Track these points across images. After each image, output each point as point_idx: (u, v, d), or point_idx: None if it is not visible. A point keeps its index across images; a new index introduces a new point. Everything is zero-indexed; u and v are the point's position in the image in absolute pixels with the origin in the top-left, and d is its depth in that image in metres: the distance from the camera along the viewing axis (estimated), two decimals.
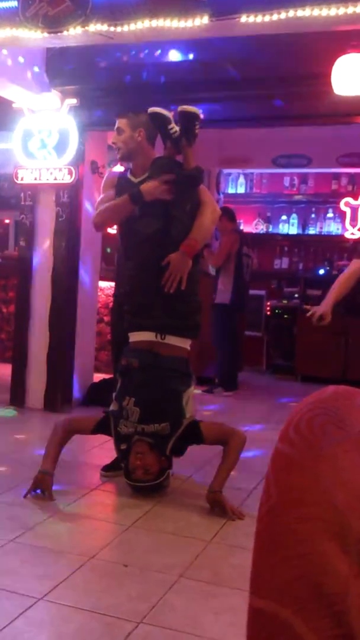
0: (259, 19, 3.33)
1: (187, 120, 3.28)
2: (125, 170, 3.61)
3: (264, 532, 0.42)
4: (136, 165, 3.45)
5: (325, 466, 0.39)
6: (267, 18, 3.32)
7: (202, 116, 3.37)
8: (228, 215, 6.00)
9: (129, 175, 3.49)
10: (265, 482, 0.44)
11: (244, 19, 3.36)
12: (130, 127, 3.37)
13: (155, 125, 3.35)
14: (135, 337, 3.26)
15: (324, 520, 0.38)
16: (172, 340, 3.21)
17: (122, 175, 3.54)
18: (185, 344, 3.27)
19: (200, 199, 3.31)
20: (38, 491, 3.06)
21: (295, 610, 0.38)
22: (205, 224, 3.29)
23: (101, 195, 3.60)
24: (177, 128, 3.32)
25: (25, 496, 3.04)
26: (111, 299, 6.19)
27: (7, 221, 9.17)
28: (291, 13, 3.28)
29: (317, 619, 0.37)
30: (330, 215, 8.01)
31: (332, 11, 3.24)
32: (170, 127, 3.31)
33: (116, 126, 3.42)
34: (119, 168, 5.77)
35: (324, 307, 3.59)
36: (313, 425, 0.42)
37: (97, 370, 5.63)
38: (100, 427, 3.18)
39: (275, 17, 3.31)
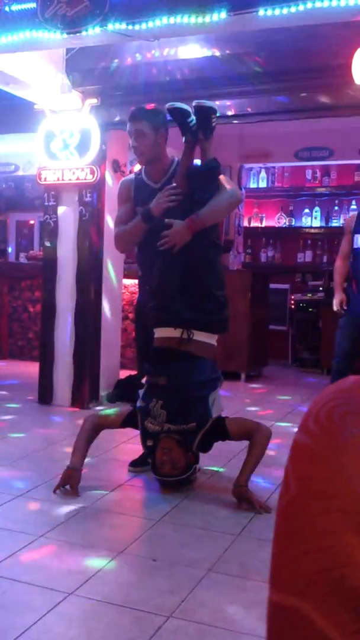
0: (277, 11, 3.31)
1: (203, 114, 3.25)
2: (139, 172, 3.52)
3: (284, 525, 0.41)
4: (155, 169, 3.39)
5: (347, 457, 0.38)
6: (285, 10, 3.29)
7: (217, 109, 3.35)
8: None
9: (145, 179, 3.42)
10: (284, 474, 0.43)
11: (262, 12, 3.34)
12: (152, 129, 3.29)
13: (174, 119, 3.31)
14: (161, 332, 3.24)
15: (347, 512, 0.37)
16: (200, 336, 3.20)
17: (138, 181, 3.45)
18: (213, 339, 3.26)
19: (220, 186, 3.26)
20: (67, 487, 3.10)
21: (317, 605, 0.37)
22: (217, 204, 3.21)
23: (119, 210, 3.49)
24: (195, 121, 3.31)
25: (55, 492, 3.08)
26: (135, 295, 6.24)
27: (31, 222, 9.27)
28: (309, 5, 3.25)
29: (338, 614, 0.36)
30: (353, 206, 7.93)
31: (351, 1, 3.20)
32: (189, 119, 3.29)
33: (134, 129, 3.29)
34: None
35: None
36: (333, 416, 0.41)
37: (123, 366, 5.66)
38: (128, 421, 3.20)
39: (293, 9, 3.28)
